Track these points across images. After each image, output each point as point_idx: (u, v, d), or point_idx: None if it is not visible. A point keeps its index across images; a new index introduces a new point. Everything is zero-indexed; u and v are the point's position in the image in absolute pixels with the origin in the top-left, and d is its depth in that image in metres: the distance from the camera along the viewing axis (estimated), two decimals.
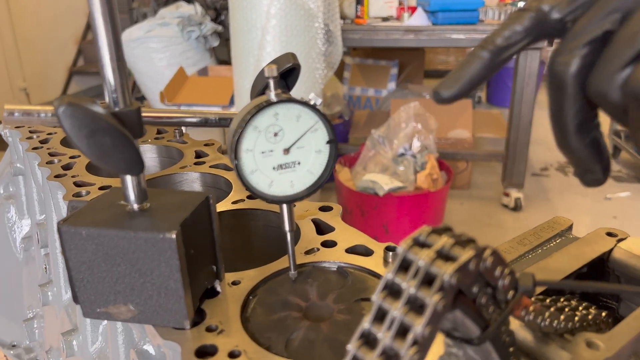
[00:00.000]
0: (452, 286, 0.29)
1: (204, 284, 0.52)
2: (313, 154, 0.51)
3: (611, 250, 0.53)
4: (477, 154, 3.06)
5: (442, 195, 2.45)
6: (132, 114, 0.46)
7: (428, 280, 0.30)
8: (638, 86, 0.31)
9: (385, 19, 2.77)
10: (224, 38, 3.60)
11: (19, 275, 1.11)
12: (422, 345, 0.28)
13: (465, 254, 0.30)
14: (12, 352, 1.14)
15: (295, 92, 0.52)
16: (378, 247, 0.60)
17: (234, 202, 0.73)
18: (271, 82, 0.48)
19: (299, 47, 2.10)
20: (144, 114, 0.48)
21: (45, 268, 0.87)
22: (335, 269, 0.58)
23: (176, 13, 3.54)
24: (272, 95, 0.48)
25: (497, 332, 0.35)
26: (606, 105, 0.34)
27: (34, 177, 0.95)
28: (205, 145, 0.94)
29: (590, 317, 0.44)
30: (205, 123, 0.62)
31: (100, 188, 0.78)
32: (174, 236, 0.45)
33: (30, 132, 1.04)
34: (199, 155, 0.90)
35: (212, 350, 0.45)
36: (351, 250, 0.60)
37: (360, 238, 0.62)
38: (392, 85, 3.90)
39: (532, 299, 0.40)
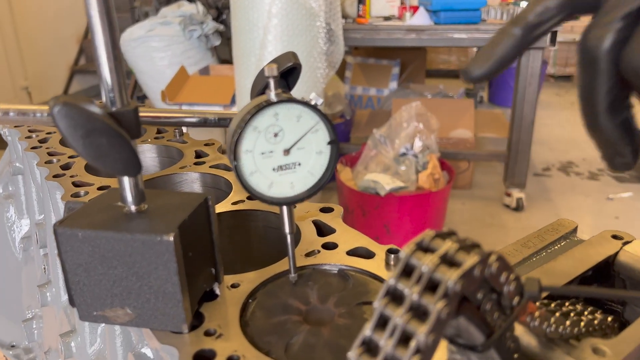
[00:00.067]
0: (456, 293, 0.29)
1: (202, 286, 0.51)
2: (314, 155, 0.51)
3: (617, 253, 0.53)
4: (479, 154, 3.05)
5: (444, 195, 2.44)
6: (129, 114, 0.45)
7: (431, 287, 0.29)
8: None
9: (387, 18, 2.77)
10: (226, 37, 3.59)
11: (18, 275, 1.10)
12: (425, 353, 0.28)
13: (470, 260, 0.29)
14: (11, 352, 1.13)
15: (296, 92, 0.51)
16: (380, 250, 0.59)
17: (234, 203, 0.72)
18: (271, 82, 0.47)
19: (301, 46, 2.09)
20: (142, 114, 0.47)
21: (44, 268, 0.87)
22: (336, 272, 0.57)
23: (178, 12, 3.54)
24: (272, 95, 0.47)
25: (502, 338, 0.35)
26: None
27: (32, 176, 0.94)
28: (206, 145, 0.93)
29: (596, 322, 0.44)
30: (204, 123, 0.61)
31: (99, 188, 0.77)
32: (171, 239, 0.44)
33: (29, 131, 1.03)
34: (199, 155, 0.89)
35: (210, 354, 0.44)
36: (352, 253, 0.59)
37: (362, 240, 0.61)
38: (393, 85, 3.90)
39: (537, 304, 0.39)
